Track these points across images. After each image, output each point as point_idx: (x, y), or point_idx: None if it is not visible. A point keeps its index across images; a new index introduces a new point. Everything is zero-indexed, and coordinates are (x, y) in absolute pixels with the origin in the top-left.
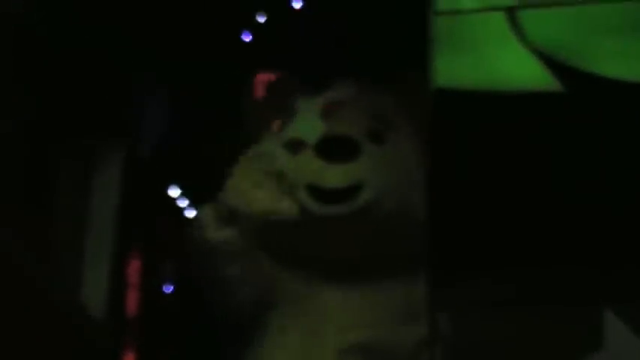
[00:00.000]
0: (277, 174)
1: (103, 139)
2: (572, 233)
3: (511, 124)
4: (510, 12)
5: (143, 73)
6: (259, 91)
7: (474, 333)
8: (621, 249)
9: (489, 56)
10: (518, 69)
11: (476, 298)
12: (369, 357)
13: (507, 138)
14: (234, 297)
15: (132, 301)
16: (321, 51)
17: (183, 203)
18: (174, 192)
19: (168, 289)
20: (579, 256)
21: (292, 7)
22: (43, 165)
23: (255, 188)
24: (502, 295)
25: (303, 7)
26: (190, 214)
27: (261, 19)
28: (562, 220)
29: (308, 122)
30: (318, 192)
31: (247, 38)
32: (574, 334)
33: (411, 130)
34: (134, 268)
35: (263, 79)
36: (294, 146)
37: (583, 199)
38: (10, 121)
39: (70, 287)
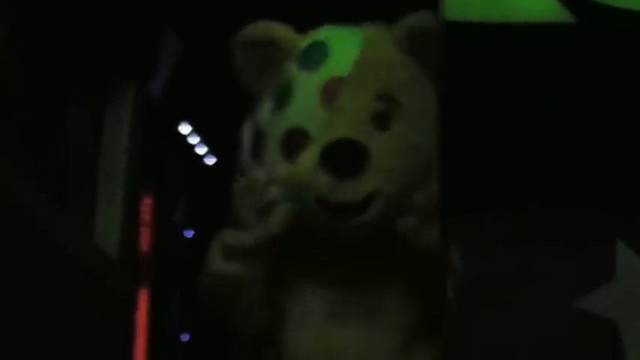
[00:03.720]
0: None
1: (113, 78)
2: (581, 169)
3: (521, 56)
4: None
5: (156, 14)
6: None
7: (487, 267)
8: (630, 184)
9: None
10: (528, 0)
11: (489, 233)
12: None
13: (517, 70)
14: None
15: (145, 239)
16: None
17: (194, 140)
18: (185, 129)
19: (180, 225)
20: (592, 191)
21: None
22: (54, 105)
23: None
24: (516, 231)
25: None
26: (201, 150)
27: None
28: (571, 156)
29: (307, 107)
30: (330, 206)
31: None
32: (586, 265)
33: (423, 93)
34: (147, 205)
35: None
36: (294, 140)
37: (592, 134)
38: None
39: (82, 226)
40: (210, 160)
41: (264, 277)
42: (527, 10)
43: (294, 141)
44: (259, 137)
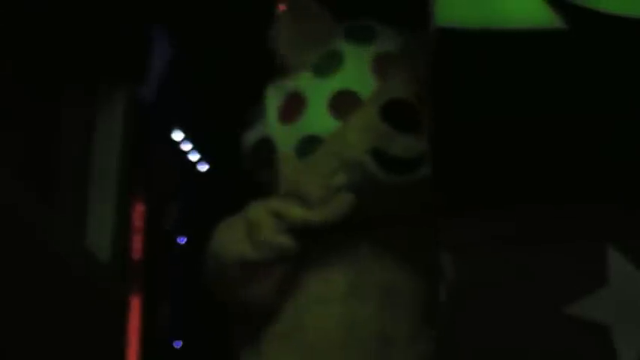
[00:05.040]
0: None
1: (105, 84)
2: (574, 170)
3: (513, 62)
4: None
5: (147, 17)
6: (286, 22)
7: (478, 272)
8: (625, 186)
9: None
10: (520, 6)
11: (479, 237)
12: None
13: (509, 76)
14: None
15: (137, 245)
16: None
17: (186, 147)
18: (177, 136)
19: (173, 232)
20: (584, 193)
21: None
22: (46, 109)
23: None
24: (505, 233)
25: None
26: (194, 157)
27: None
28: (564, 158)
29: (359, 73)
30: (383, 158)
31: None
32: (577, 270)
33: None
34: (138, 212)
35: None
36: (345, 100)
37: (586, 137)
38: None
39: (74, 232)
40: (203, 167)
41: (295, 257)
42: (518, 16)
43: (346, 101)
44: (295, 101)
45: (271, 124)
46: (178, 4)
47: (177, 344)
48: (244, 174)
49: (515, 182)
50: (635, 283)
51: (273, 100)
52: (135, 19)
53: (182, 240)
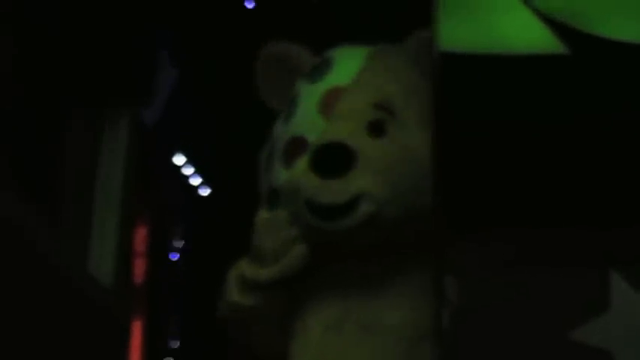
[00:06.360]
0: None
1: (109, 107)
2: (576, 194)
3: (515, 87)
4: None
5: (151, 41)
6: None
7: (481, 297)
8: (627, 209)
9: (494, 19)
10: (522, 31)
11: (482, 261)
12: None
13: (510, 101)
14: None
15: (139, 269)
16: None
17: (188, 171)
18: (179, 160)
19: (175, 256)
20: (587, 217)
21: None
22: (50, 132)
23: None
24: (507, 256)
25: None
26: (196, 181)
27: None
28: (566, 181)
29: (307, 115)
30: (316, 208)
31: (250, 5)
32: (579, 295)
33: (422, 105)
34: (141, 235)
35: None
36: (294, 148)
37: (587, 161)
38: (16, 91)
39: (77, 255)
40: (205, 191)
41: (279, 306)
42: (521, 41)
43: (294, 148)
44: (271, 150)
45: (260, 175)
46: (183, 28)
47: None
48: (245, 198)
49: (518, 206)
50: (638, 307)
51: (265, 152)
52: (140, 42)
53: (184, 263)
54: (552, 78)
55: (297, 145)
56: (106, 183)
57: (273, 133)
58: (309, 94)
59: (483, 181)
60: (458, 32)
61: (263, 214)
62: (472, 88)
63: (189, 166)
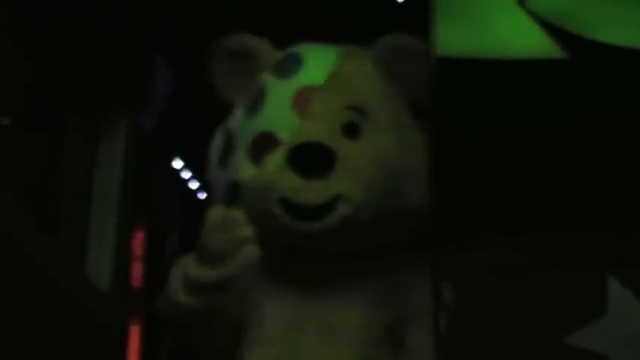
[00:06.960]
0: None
1: (106, 112)
2: (572, 199)
3: (513, 91)
4: None
5: (147, 46)
6: (220, 59)
7: (478, 302)
8: (626, 214)
9: (490, 24)
10: (519, 36)
11: (479, 266)
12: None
13: (508, 105)
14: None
15: (137, 273)
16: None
17: (186, 175)
18: (177, 164)
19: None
20: (583, 221)
21: None
22: (47, 138)
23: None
24: (504, 262)
25: None
26: (194, 185)
27: None
28: (562, 186)
29: (279, 112)
30: (292, 207)
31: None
32: (576, 299)
33: (395, 108)
34: (138, 240)
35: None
36: (263, 143)
37: (586, 166)
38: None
39: (74, 260)
40: (203, 195)
41: (227, 307)
42: (519, 45)
43: (264, 144)
44: (229, 143)
45: (212, 169)
46: (180, 32)
47: None
48: None
49: (515, 211)
50: (635, 312)
51: (216, 143)
52: (137, 46)
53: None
54: (549, 82)
55: (266, 141)
56: (104, 186)
57: (229, 125)
58: (280, 90)
59: (480, 186)
60: (455, 37)
61: (217, 211)
62: (469, 92)
63: (188, 170)
